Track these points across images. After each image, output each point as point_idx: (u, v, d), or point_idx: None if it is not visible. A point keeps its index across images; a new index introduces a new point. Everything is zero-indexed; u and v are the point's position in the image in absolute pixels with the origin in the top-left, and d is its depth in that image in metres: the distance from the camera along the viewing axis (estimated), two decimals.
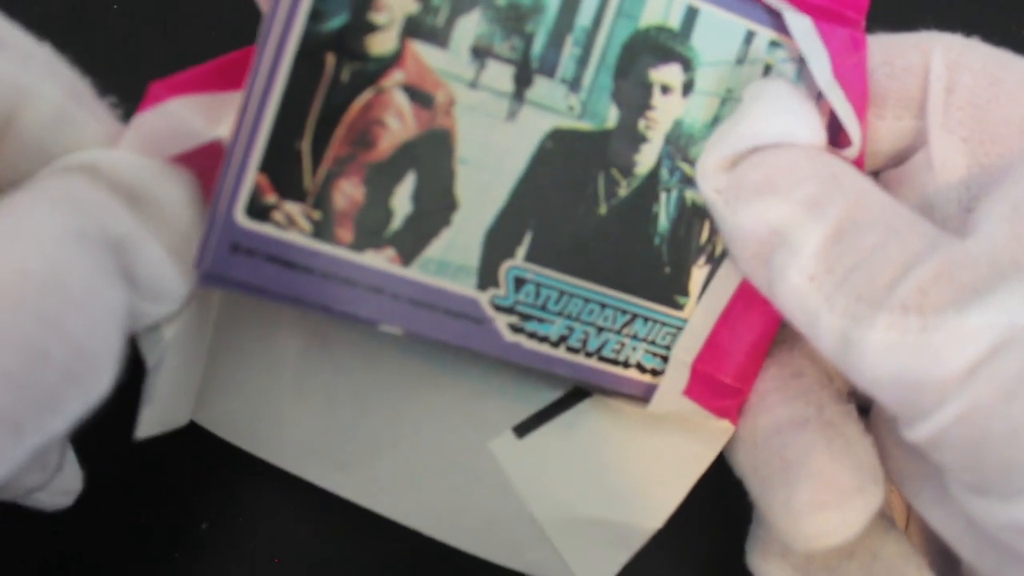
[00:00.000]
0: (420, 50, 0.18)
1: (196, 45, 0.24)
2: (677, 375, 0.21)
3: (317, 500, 0.21)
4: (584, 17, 0.19)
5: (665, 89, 0.20)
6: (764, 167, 0.18)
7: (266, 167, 0.18)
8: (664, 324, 0.20)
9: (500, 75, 0.19)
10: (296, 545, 0.23)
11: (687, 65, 0.19)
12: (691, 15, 0.19)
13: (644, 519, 0.22)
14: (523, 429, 0.22)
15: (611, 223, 0.20)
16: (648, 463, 0.22)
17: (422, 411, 0.22)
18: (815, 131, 0.18)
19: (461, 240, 0.19)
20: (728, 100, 0.20)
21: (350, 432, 0.22)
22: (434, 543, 0.22)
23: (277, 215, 0.18)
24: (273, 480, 0.22)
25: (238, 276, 0.18)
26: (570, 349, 0.20)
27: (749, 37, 0.20)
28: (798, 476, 0.19)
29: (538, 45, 0.19)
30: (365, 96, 0.18)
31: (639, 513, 0.22)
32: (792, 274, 0.17)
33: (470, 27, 0.18)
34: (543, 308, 0.20)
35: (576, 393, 0.23)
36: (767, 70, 0.20)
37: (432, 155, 0.19)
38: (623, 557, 0.22)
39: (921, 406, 0.15)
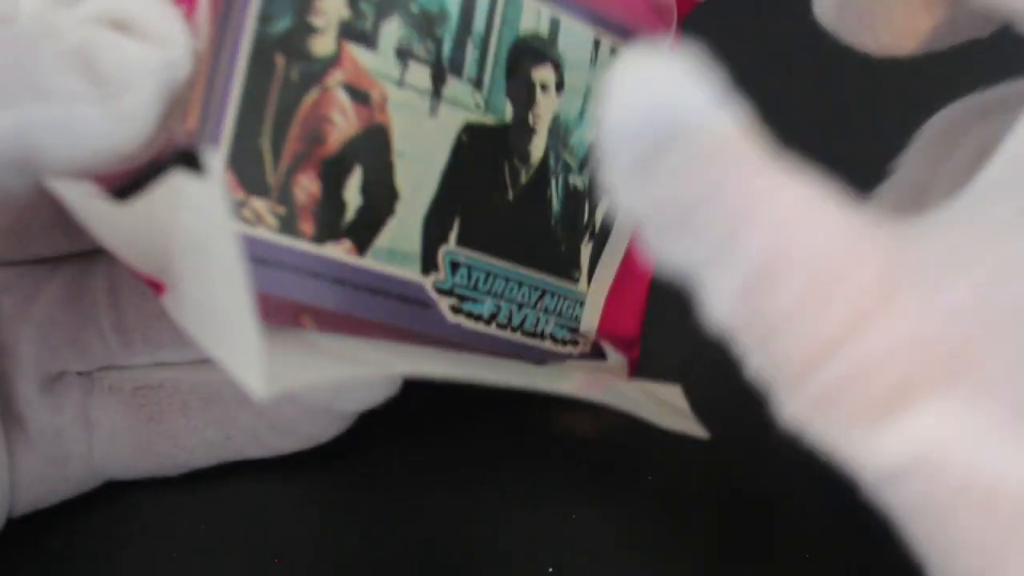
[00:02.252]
0: (354, 51, 0.19)
1: None
2: (584, 342, 0.23)
3: (317, 500, 0.21)
4: (479, 24, 0.21)
5: (543, 87, 0.22)
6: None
7: (232, 165, 0.18)
8: (566, 297, 0.23)
9: (420, 75, 0.20)
10: (296, 545, 0.22)
11: (557, 66, 0.22)
12: (555, 24, 0.22)
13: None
14: None
15: (518, 207, 0.22)
16: None
17: None
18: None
19: (404, 228, 0.20)
20: (589, 96, 0.23)
21: None
22: (434, 542, 0.22)
23: (245, 212, 0.18)
24: (273, 480, 0.21)
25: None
26: (500, 326, 0.22)
27: (596, 44, 0.23)
28: None
29: (447, 48, 0.21)
30: (313, 94, 0.19)
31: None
32: (714, 310, 0.15)
33: (393, 31, 0.20)
34: (475, 288, 0.21)
35: None
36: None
37: (373, 149, 0.20)
38: None
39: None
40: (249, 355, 0.15)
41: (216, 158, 0.16)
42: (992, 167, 0.14)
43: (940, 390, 0.13)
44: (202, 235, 0.16)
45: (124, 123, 0.17)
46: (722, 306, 0.14)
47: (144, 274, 0.18)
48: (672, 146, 0.13)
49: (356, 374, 0.18)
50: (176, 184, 0.17)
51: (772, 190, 0.13)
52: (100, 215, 0.17)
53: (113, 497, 0.24)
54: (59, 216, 0.19)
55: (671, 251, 0.14)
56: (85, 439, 0.23)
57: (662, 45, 0.23)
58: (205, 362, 0.23)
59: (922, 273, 0.14)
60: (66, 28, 0.17)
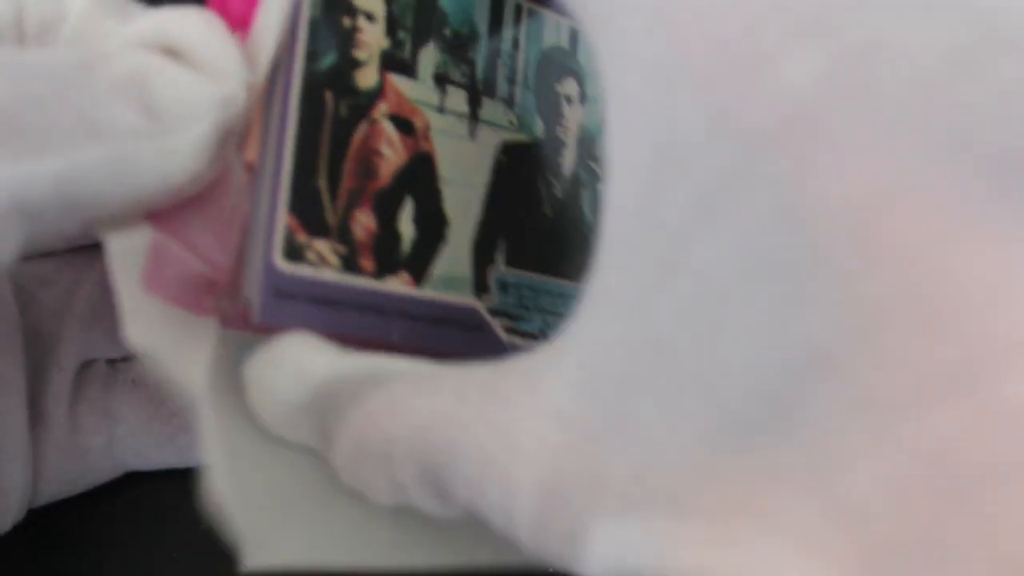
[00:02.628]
0: (396, 81, 0.19)
1: None
2: None
3: None
4: (506, 42, 0.21)
5: (568, 99, 0.22)
6: None
7: (294, 207, 0.18)
8: None
9: (458, 99, 0.20)
10: None
11: (579, 77, 0.23)
12: (574, 35, 0.22)
13: None
14: None
15: (555, 221, 0.22)
16: None
17: None
18: None
19: (456, 254, 0.20)
20: None
21: None
22: None
23: (310, 254, 0.18)
24: None
25: (285, 322, 0.18)
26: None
27: None
28: None
29: (479, 69, 0.21)
30: (362, 128, 0.19)
31: None
32: None
33: (430, 57, 0.20)
34: (523, 306, 0.21)
35: None
36: None
37: (421, 179, 0.20)
38: None
39: None
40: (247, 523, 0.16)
41: None
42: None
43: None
44: None
45: (179, 159, 0.16)
46: (439, 513, 0.17)
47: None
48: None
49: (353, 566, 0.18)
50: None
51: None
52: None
53: (112, 498, 0.24)
54: None
55: (380, 500, 0.18)
56: (106, 431, 0.23)
57: None
58: None
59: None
60: (117, 52, 0.17)
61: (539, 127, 0.22)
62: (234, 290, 0.19)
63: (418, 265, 0.19)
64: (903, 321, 0.11)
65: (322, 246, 0.18)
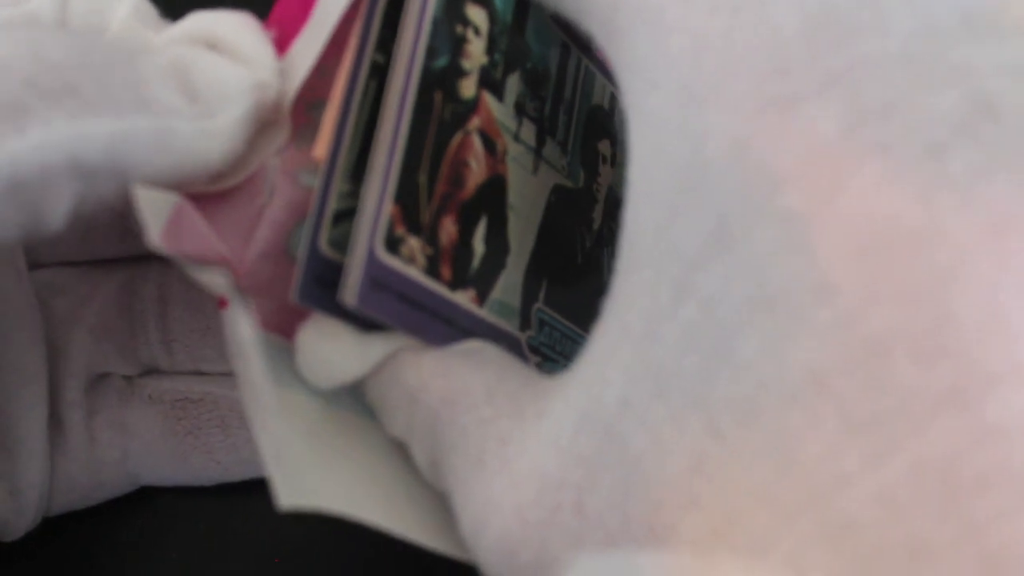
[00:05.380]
0: (489, 99, 0.19)
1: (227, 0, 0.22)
2: None
3: None
4: (568, 89, 0.22)
5: (604, 159, 0.23)
6: None
7: (399, 197, 0.17)
8: None
9: (529, 131, 0.20)
10: (296, 545, 0.22)
11: (614, 140, 0.23)
12: (613, 99, 0.23)
13: None
14: None
15: (583, 271, 0.22)
16: None
17: None
18: None
19: (511, 282, 0.20)
20: None
21: None
22: None
23: (404, 249, 0.17)
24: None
25: (375, 313, 0.17)
26: None
27: None
28: None
29: (548, 108, 0.21)
30: (459, 136, 0.18)
31: None
32: None
33: (515, 84, 0.20)
34: (554, 349, 0.21)
35: None
36: None
37: (495, 199, 0.19)
38: None
39: None
40: (289, 461, 0.16)
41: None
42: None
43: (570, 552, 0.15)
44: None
45: (216, 140, 0.17)
46: (425, 474, 0.18)
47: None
48: None
49: (382, 523, 0.18)
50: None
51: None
52: None
53: (125, 512, 0.24)
54: (119, 219, 0.20)
55: (390, 430, 0.18)
56: (120, 446, 0.23)
57: None
58: None
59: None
60: (161, 45, 0.18)
61: (581, 178, 0.22)
62: (253, 286, 0.19)
63: (483, 284, 0.19)
64: (901, 351, 0.12)
65: (415, 243, 0.17)
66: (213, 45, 0.18)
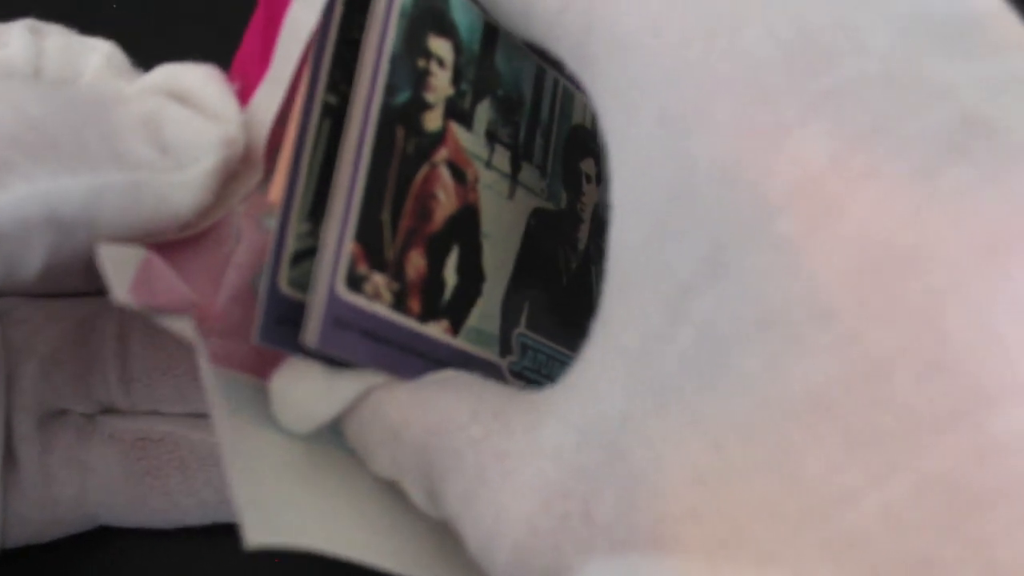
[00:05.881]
0: (456, 130, 0.19)
1: (195, 45, 0.23)
2: None
3: None
4: (544, 112, 0.22)
5: (588, 178, 0.23)
6: None
7: (360, 236, 0.17)
8: None
9: (503, 158, 0.20)
10: None
11: (597, 158, 0.23)
12: (594, 119, 0.23)
13: None
14: None
15: (569, 293, 0.22)
16: None
17: None
18: None
19: (488, 310, 0.20)
20: None
21: None
22: None
23: (367, 286, 0.17)
24: None
25: (338, 352, 0.17)
26: None
27: None
28: None
29: (522, 133, 0.21)
30: (424, 170, 0.19)
31: None
32: None
33: (484, 112, 0.20)
34: (538, 372, 0.21)
35: None
36: None
37: (467, 229, 0.19)
38: None
39: None
40: (258, 502, 0.16)
41: None
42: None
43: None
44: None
45: (187, 191, 0.18)
46: (424, 507, 0.18)
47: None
48: None
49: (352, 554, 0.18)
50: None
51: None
52: None
53: (84, 548, 0.24)
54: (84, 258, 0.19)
55: (376, 471, 0.18)
56: (77, 483, 0.23)
57: None
58: (202, 418, 0.23)
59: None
60: (134, 95, 0.18)
61: (563, 199, 0.22)
62: (226, 329, 0.19)
63: (456, 315, 0.19)
64: (903, 370, 0.13)
65: (379, 280, 0.18)
66: (181, 97, 0.19)
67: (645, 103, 0.15)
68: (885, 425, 0.13)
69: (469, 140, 0.19)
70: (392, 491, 0.19)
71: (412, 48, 0.18)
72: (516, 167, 0.21)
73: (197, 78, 0.19)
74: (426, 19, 0.18)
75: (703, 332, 0.14)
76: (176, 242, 0.18)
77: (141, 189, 0.17)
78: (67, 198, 0.16)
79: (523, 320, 0.21)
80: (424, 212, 0.18)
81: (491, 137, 0.20)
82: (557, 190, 0.22)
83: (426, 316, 0.18)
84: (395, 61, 0.18)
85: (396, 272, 0.18)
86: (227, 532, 0.23)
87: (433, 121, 0.19)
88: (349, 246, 0.17)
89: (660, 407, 0.14)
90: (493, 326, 0.20)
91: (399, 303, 0.18)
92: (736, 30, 0.15)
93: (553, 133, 0.22)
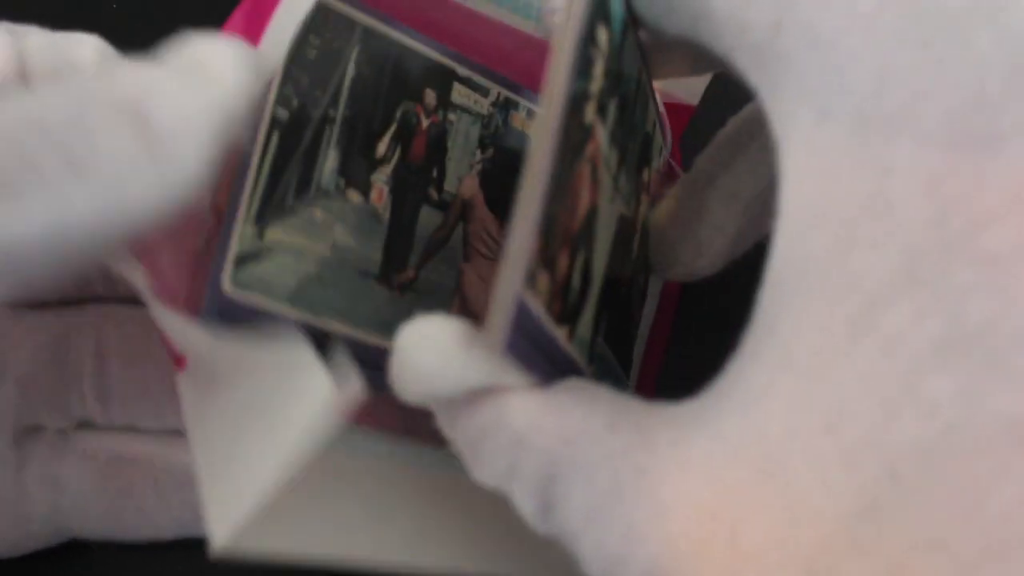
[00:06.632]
0: (599, 127, 0.18)
1: None
2: None
3: None
4: (638, 116, 0.21)
5: (645, 187, 0.23)
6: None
7: (543, 231, 0.16)
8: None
9: (613, 159, 0.20)
10: None
11: (651, 168, 0.23)
12: (654, 125, 0.23)
13: None
14: None
15: (625, 302, 0.22)
16: None
17: None
18: None
19: (588, 317, 0.19)
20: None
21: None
22: None
23: (540, 284, 0.16)
24: None
25: (515, 354, 0.16)
26: None
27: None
28: None
29: (626, 136, 0.20)
30: (581, 164, 0.17)
31: None
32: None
33: (612, 112, 0.19)
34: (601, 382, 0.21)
35: None
36: None
37: (590, 231, 0.19)
38: None
39: None
40: (232, 511, 0.16)
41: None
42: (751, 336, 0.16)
43: None
44: (284, 409, 0.17)
45: (180, 169, 0.16)
46: (533, 519, 0.16)
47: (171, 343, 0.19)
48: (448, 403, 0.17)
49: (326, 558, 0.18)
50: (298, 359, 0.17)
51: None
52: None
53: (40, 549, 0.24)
54: None
55: (483, 476, 0.17)
56: (50, 500, 0.23)
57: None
58: (177, 435, 0.23)
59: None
60: (117, 74, 0.16)
61: (632, 207, 0.22)
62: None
63: (574, 319, 0.18)
64: None
65: (544, 279, 0.16)
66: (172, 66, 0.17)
67: (841, 106, 0.15)
68: None
69: (604, 139, 0.18)
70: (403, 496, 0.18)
71: (587, 34, 0.17)
72: (620, 170, 0.20)
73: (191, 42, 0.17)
74: (599, 3, 0.17)
75: (889, 348, 0.13)
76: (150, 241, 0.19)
77: (120, 192, 0.16)
78: (18, 234, 0.15)
79: (603, 328, 0.20)
80: (572, 209, 0.17)
81: (613, 137, 0.19)
82: (631, 197, 0.21)
83: (562, 319, 0.17)
84: (583, 42, 0.17)
85: (552, 270, 0.17)
86: (203, 544, 0.22)
87: (590, 114, 0.18)
88: (533, 242, 0.16)
89: (831, 426, 0.14)
90: (588, 333, 0.19)
91: (550, 304, 0.17)
92: (963, 32, 0.14)
93: (638, 138, 0.21)
